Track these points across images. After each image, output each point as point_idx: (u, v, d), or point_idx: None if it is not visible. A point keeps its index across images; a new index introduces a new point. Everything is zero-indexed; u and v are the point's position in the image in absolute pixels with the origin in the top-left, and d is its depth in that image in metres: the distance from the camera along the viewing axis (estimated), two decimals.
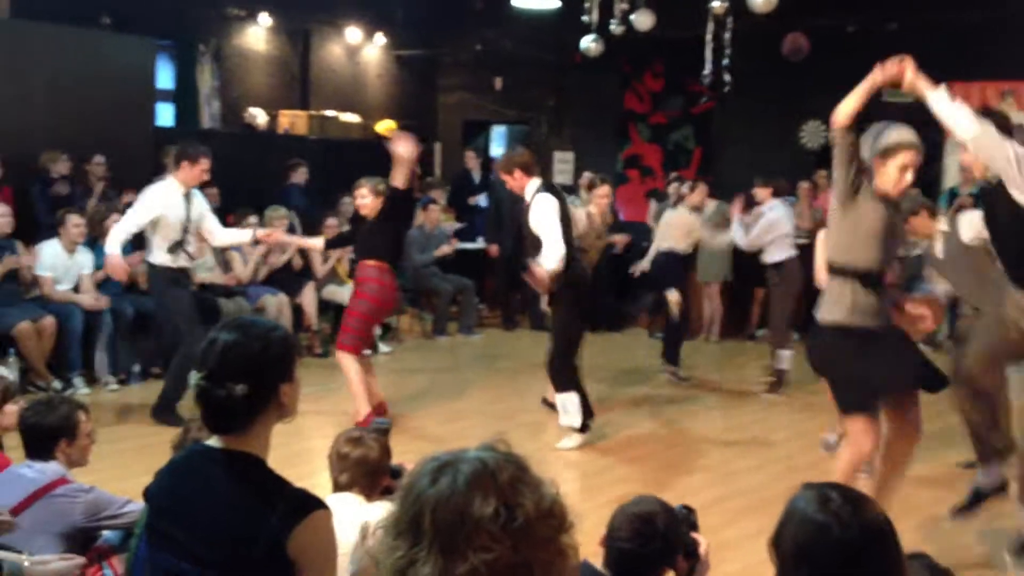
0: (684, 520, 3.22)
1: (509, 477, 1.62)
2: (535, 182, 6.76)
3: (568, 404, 6.81)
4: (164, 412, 6.98)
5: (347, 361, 6.96)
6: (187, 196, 7.09)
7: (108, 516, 3.62)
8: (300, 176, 10.97)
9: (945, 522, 5.35)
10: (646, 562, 3.02)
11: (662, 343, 9.25)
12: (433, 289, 10.95)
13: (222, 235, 7.55)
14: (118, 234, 6.94)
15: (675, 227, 8.98)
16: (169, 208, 6.96)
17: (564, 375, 6.80)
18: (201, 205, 7.28)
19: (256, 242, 8.14)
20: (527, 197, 6.75)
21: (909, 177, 4.65)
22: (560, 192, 6.89)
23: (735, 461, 6.78)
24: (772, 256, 8.46)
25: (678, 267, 8.96)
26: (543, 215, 6.58)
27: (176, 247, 7.03)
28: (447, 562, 1.57)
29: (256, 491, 2.32)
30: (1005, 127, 4.68)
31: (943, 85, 4.72)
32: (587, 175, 7.94)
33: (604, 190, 8.04)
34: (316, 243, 8.20)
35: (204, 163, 7.07)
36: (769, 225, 8.40)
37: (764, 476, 6.44)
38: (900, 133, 4.70)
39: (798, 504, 2.12)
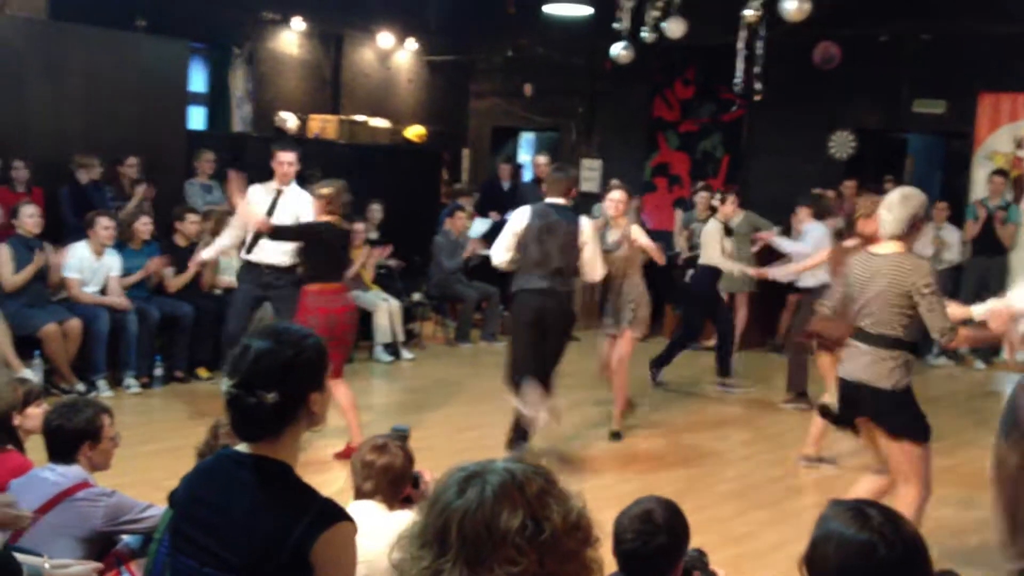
0: (696, 562, 3.26)
1: (537, 489, 1.62)
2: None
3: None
4: None
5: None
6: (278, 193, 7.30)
7: (128, 520, 3.63)
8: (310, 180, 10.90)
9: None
10: (653, 559, 3.02)
11: (715, 359, 9.21)
12: (458, 295, 10.96)
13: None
14: None
15: (707, 243, 8.94)
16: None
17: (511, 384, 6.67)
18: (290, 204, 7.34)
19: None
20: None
21: None
22: (543, 211, 6.64)
23: (755, 473, 6.74)
24: (805, 281, 8.38)
25: (713, 283, 8.91)
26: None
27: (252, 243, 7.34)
28: (472, 574, 1.56)
29: (284, 498, 2.33)
30: None
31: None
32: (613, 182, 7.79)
33: (614, 194, 7.55)
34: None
35: (279, 157, 7.35)
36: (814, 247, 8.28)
37: (784, 488, 6.40)
38: None
39: (833, 524, 2.07)
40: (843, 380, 4.77)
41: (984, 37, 10.84)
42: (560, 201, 6.62)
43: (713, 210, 9.32)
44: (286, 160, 7.20)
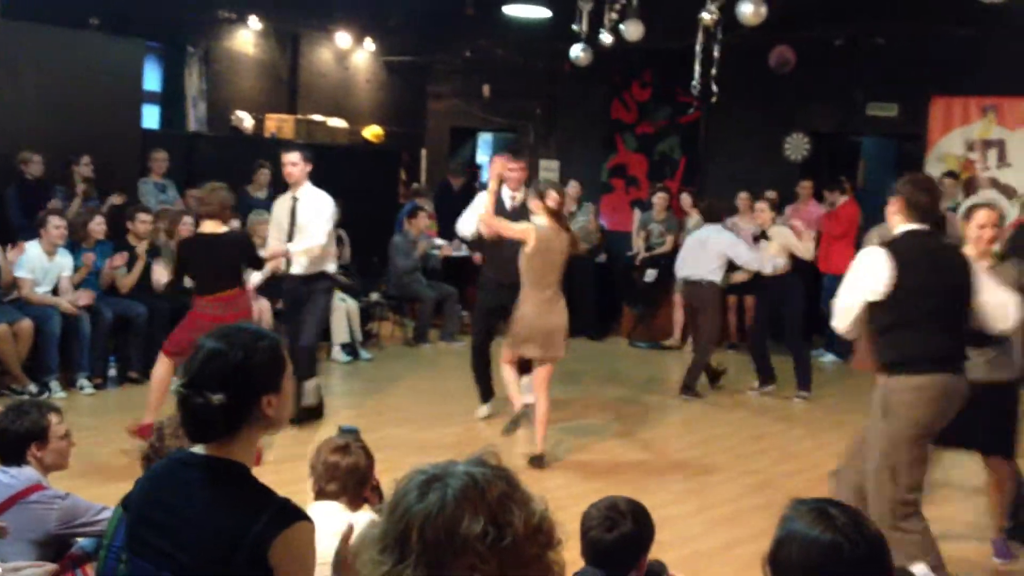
0: (659, 568, 3.33)
1: (498, 494, 1.60)
2: None
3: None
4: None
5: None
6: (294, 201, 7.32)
7: (83, 523, 3.59)
8: (259, 180, 10.85)
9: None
10: (617, 547, 3.07)
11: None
12: (416, 296, 10.94)
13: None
14: None
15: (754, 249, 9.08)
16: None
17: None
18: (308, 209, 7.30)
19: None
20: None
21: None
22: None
23: (713, 472, 6.79)
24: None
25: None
26: None
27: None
28: None
29: (240, 499, 2.31)
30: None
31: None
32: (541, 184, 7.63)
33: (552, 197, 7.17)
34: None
35: (282, 158, 7.30)
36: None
37: (740, 487, 6.45)
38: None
39: (795, 525, 2.07)
40: None
41: (937, 41, 11.00)
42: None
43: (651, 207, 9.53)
44: (288, 160, 7.14)
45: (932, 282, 4.32)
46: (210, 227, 6.55)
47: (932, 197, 4.43)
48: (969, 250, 4.73)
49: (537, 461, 6.59)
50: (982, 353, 4.78)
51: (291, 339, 7.16)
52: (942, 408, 4.27)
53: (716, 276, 8.87)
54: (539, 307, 6.62)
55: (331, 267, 7.44)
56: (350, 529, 2.53)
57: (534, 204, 6.74)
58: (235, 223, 9.10)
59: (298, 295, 7.34)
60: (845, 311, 4.45)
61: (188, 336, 6.28)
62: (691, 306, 9.24)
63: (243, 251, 6.77)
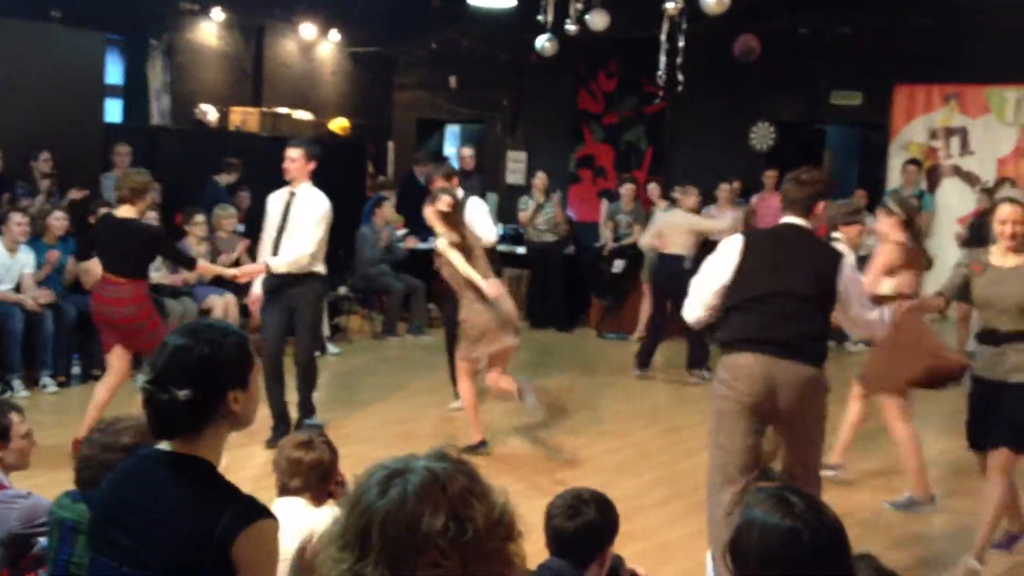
0: (617, 563, 3.35)
1: (459, 488, 1.60)
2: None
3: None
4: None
5: None
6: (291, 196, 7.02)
7: (45, 523, 3.55)
8: (227, 177, 10.75)
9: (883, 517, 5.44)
10: (580, 535, 3.09)
11: (687, 350, 9.26)
12: (383, 288, 10.91)
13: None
14: None
15: (678, 232, 9.07)
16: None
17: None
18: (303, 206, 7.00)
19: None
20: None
21: None
22: None
23: (680, 461, 6.82)
24: None
25: (683, 273, 9.01)
26: None
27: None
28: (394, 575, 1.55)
29: (203, 496, 2.30)
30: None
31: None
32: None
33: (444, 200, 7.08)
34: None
35: (285, 152, 7.00)
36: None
37: (704, 478, 6.46)
38: None
39: (755, 512, 2.09)
40: None
41: (900, 30, 11.09)
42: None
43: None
44: (288, 156, 6.93)
45: (770, 271, 4.39)
46: (122, 212, 6.44)
47: (804, 192, 4.49)
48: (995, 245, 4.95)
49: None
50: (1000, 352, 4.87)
51: (269, 339, 6.91)
52: (757, 388, 4.31)
53: None
54: (481, 303, 6.57)
55: (320, 268, 7.03)
56: (310, 537, 2.53)
57: (429, 213, 6.71)
58: (199, 217, 9.09)
59: (283, 297, 6.86)
60: (694, 294, 4.59)
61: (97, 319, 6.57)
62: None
63: (148, 243, 6.59)
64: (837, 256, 4.54)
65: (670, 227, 9.21)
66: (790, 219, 4.52)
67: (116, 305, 6.37)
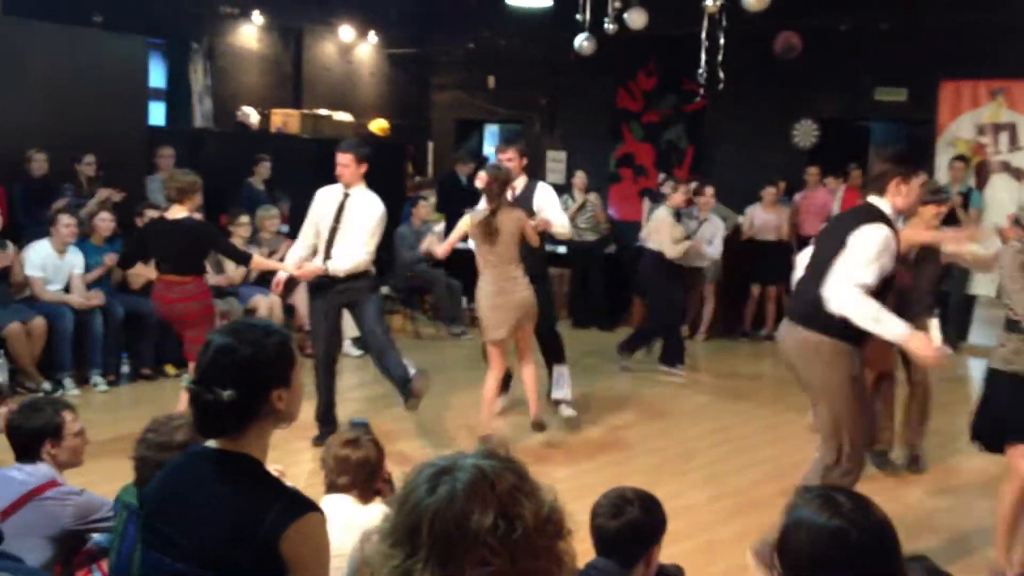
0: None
1: (508, 486, 1.60)
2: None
3: (564, 376, 7.17)
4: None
5: None
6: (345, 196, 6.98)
7: (98, 519, 3.61)
8: (260, 172, 10.85)
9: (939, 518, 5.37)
10: (623, 535, 3.07)
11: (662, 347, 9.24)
12: (426, 285, 10.93)
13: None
14: None
15: (655, 229, 9.02)
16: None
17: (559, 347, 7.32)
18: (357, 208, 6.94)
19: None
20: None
21: None
22: None
23: (724, 461, 6.78)
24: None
25: (660, 269, 8.93)
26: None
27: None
28: (444, 574, 1.55)
29: (251, 492, 2.32)
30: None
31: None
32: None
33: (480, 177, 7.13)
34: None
35: (337, 158, 7.04)
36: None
37: (753, 477, 6.44)
38: None
39: (802, 512, 2.07)
40: None
41: (945, 25, 10.94)
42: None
43: (661, 197, 9.50)
44: (339, 162, 6.97)
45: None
46: (172, 212, 6.59)
47: (876, 170, 4.69)
48: None
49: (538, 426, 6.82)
50: (1010, 340, 4.65)
51: (323, 338, 6.84)
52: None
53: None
54: (499, 286, 6.63)
55: (372, 269, 7.05)
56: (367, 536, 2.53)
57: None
58: (244, 219, 9.17)
59: (334, 296, 6.77)
60: None
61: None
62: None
63: (202, 239, 6.73)
64: (858, 222, 4.42)
65: (654, 223, 9.20)
66: (868, 197, 4.53)
67: (187, 302, 6.52)
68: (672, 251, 8.84)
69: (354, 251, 6.70)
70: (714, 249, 9.60)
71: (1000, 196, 11.16)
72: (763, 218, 10.96)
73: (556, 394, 7.51)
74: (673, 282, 9.02)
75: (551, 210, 7.13)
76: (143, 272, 8.34)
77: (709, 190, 9.79)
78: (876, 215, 4.42)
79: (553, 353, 7.53)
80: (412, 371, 6.72)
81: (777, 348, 4.71)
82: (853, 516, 2.02)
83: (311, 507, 2.33)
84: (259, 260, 7.34)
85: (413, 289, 11.06)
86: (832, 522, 2.01)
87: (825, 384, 4.48)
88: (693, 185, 9.89)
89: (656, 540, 3.17)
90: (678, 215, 9.09)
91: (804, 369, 4.55)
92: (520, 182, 7.16)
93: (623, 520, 3.07)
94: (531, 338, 6.92)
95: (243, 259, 7.13)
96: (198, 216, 6.86)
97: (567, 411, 7.45)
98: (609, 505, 3.12)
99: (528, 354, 6.85)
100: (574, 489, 6.00)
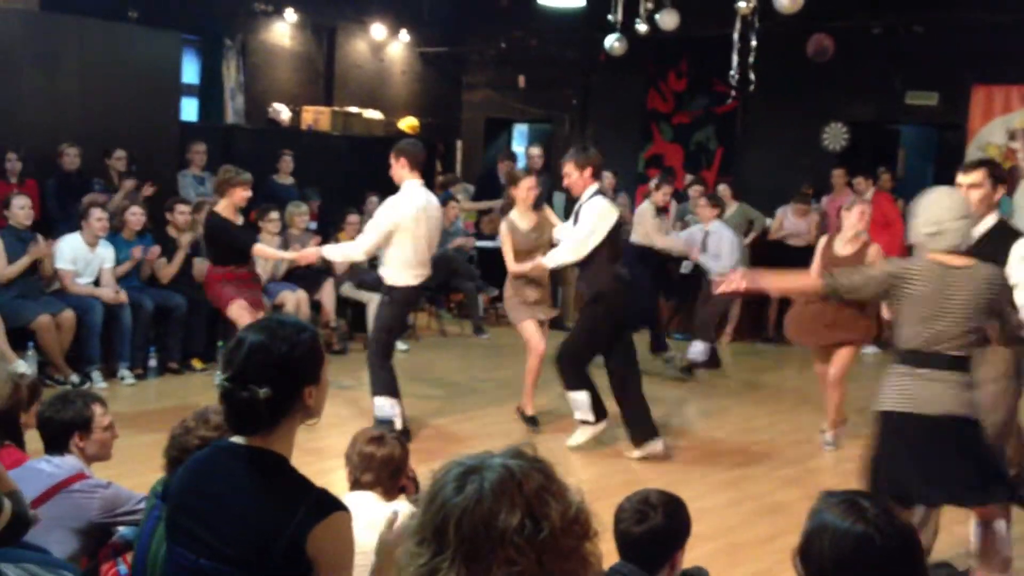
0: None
1: (535, 486, 1.61)
2: (595, 186, 6.75)
3: (578, 401, 6.75)
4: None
5: None
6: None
7: (124, 512, 3.63)
8: (284, 168, 10.93)
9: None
10: (646, 540, 3.07)
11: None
12: (456, 287, 10.96)
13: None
14: None
15: (639, 222, 9.33)
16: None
17: (572, 373, 6.70)
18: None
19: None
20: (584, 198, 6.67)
21: None
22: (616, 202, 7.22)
23: (747, 464, 6.75)
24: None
25: (639, 262, 9.02)
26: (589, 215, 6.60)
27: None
28: (470, 573, 1.56)
29: (278, 489, 2.34)
30: (1003, 178, 4.68)
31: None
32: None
33: (528, 182, 7.33)
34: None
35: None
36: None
37: (776, 480, 6.42)
38: None
39: (826, 517, 2.07)
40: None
41: (977, 29, 10.84)
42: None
43: (686, 199, 9.55)
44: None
45: None
46: (217, 206, 7.29)
47: None
48: None
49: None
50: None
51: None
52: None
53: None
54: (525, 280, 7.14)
55: (397, 277, 6.67)
56: (395, 515, 2.55)
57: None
58: (274, 215, 9.25)
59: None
60: None
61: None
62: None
63: (210, 231, 7.39)
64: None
65: (637, 216, 9.40)
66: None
67: (205, 288, 7.24)
68: (661, 241, 9.25)
69: (354, 242, 6.98)
70: (723, 262, 9.25)
71: None
72: (794, 224, 10.92)
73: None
74: (650, 274, 9.26)
75: (563, 238, 6.96)
76: (169, 269, 8.44)
77: (703, 201, 9.72)
78: None
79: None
80: (397, 422, 6.52)
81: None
82: (877, 521, 2.02)
83: (338, 506, 2.34)
84: (259, 248, 7.46)
85: (440, 287, 11.07)
86: (856, 527, 2.01)
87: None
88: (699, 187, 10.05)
89: (680, 544, 3.16)
90: (659, 211, 9.42)
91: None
92: (586, 194, 6.67)
93: (647, 526, 3.07)
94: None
95: (245, 248, 7.27)
96: (221, 209, 7.18)
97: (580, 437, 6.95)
98: (633, 511, 3.11)
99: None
100: (597, 490, 6.01)
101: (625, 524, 3.09)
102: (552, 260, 6.81)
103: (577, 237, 6.58)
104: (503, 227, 7.30)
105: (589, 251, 6.55)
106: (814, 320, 6.63)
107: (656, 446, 6.66)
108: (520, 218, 7.29)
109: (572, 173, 6.66)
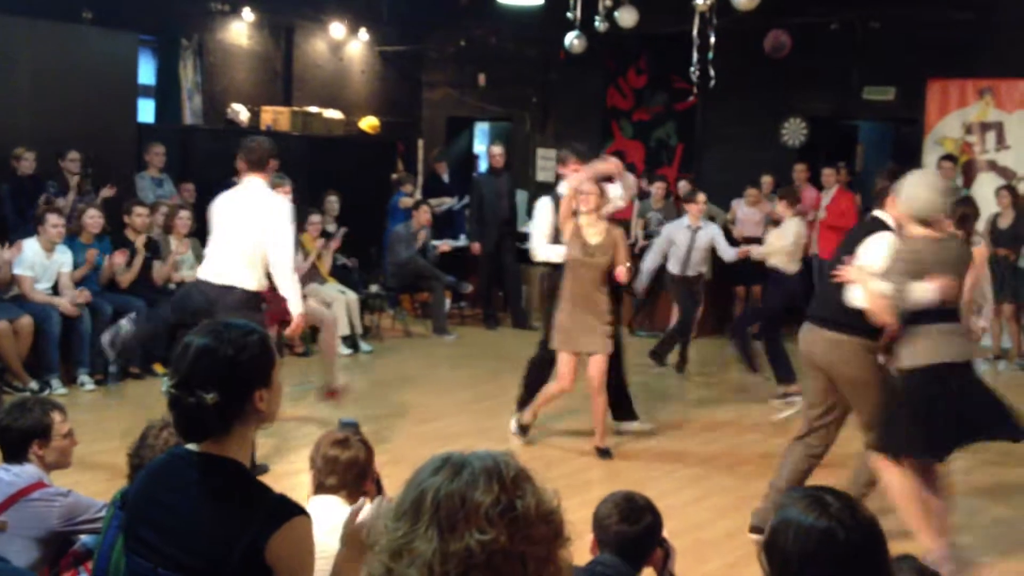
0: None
1: (514, 475, 1.65)
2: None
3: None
4: None
5: None
6: None
7: (85, 520, 3.59)
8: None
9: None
10: (642, 539, 3.19)
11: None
12: (426, 287, 10.94)
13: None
14: None
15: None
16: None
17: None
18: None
19: None
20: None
21: None
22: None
23: (713, 460, 6.79)
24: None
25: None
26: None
27: None
28: (443, 540, 1.58)
29: (234, 497, 2.30)
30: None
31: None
32: None
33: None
34: None
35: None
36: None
37: (741, 475, 6.45)
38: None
39: (790, 512, 2.08)
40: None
41: (933, 24, 10.97)
42: None
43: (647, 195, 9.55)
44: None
45: None
46: None
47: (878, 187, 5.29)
48: None
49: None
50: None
51: None
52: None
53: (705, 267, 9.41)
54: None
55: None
56: (362, 504, 2.53)
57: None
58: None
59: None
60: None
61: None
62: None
63: None
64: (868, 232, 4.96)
65: None
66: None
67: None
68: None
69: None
70: (729, 250, 9.38)
71: (987, 195, 11.19)
72: (745, 213, 11.12)
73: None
74: None
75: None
76: (129, 274, 8.36)
77: (701, 196, 9.66)
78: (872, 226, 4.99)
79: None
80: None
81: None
82: (841, 516, 2.03)
83: (296, 511, 2.31)
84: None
85: (404, 288, 11.04)
86: (820, 522, 2.02)
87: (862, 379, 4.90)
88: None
89: (662, 529, 3.29)
90: None
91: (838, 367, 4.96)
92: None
93: (642, 526, 3.18)
94: None
95: None
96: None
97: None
98: (628, 511, 3.19)
99: None
100: (561, 488, 6.02)
101: (621, 525, 3.17)
102: (533, 253, 7.01)
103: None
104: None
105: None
106: None
107: (633, 425, 7.21)
108: None
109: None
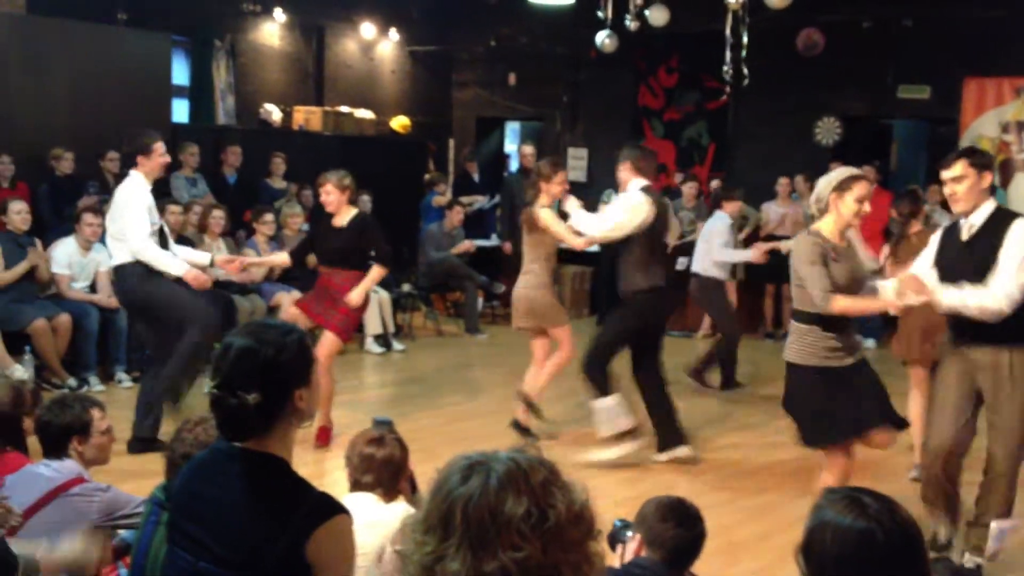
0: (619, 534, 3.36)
1: (542, 479, 1.63)
2: (639, 182, 6.57)
3: (604, 411, 6.54)
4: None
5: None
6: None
7: (124, 515, 3.63)
8: (276, 171, 10.88)
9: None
10: (697, 545, 3.23)
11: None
12: (456, 285, 10.96)
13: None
14: None
15: None
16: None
17: (598, 380, 6.52)
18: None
19: (212, 264, 6.98)
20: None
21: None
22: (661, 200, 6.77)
23: (744, 462, 6.75)
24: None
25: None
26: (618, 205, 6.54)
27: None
28: (476, 559, 1.57)
29: (277, 493, 2.32)
30: (987, 164, 4.65)
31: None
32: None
33: (561, 176, 6.94)
34: (282, 259, 7.36)
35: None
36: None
37: (772, 477, 6.41)
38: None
39: (828, 513, 2.06)
40: None
41: (968, 21, 10.86)
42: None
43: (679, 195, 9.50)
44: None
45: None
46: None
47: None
48: None
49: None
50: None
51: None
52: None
53: (717, 269, 8.82)
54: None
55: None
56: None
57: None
58: (268, 216, 9.22)
59: None
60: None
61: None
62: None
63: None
64: None
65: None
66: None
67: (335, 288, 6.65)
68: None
69: None
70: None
71: None
72: (776, 212, 11.06)
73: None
74: None
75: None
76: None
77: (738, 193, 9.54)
78: None
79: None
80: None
81: None
82: (879, 517, 2.01)
83: (338, 509, 2.33)
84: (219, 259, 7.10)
85: (436, 287, 11.08)
86: (858, 523, 2.01)
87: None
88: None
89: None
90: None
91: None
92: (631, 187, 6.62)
93: (698, 531, 3.23)
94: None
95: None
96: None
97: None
98: (682, 517, 3.21)
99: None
100: (596, 488, 6.01)
101: (681, 529, 3.18)
102: (581, 227, 6.62)
103: (603, 217, 6.65)
104: (547, 213, 6.76)
105: (611, 238, 6.54)
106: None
107: (681, 451, 6.62)
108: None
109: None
